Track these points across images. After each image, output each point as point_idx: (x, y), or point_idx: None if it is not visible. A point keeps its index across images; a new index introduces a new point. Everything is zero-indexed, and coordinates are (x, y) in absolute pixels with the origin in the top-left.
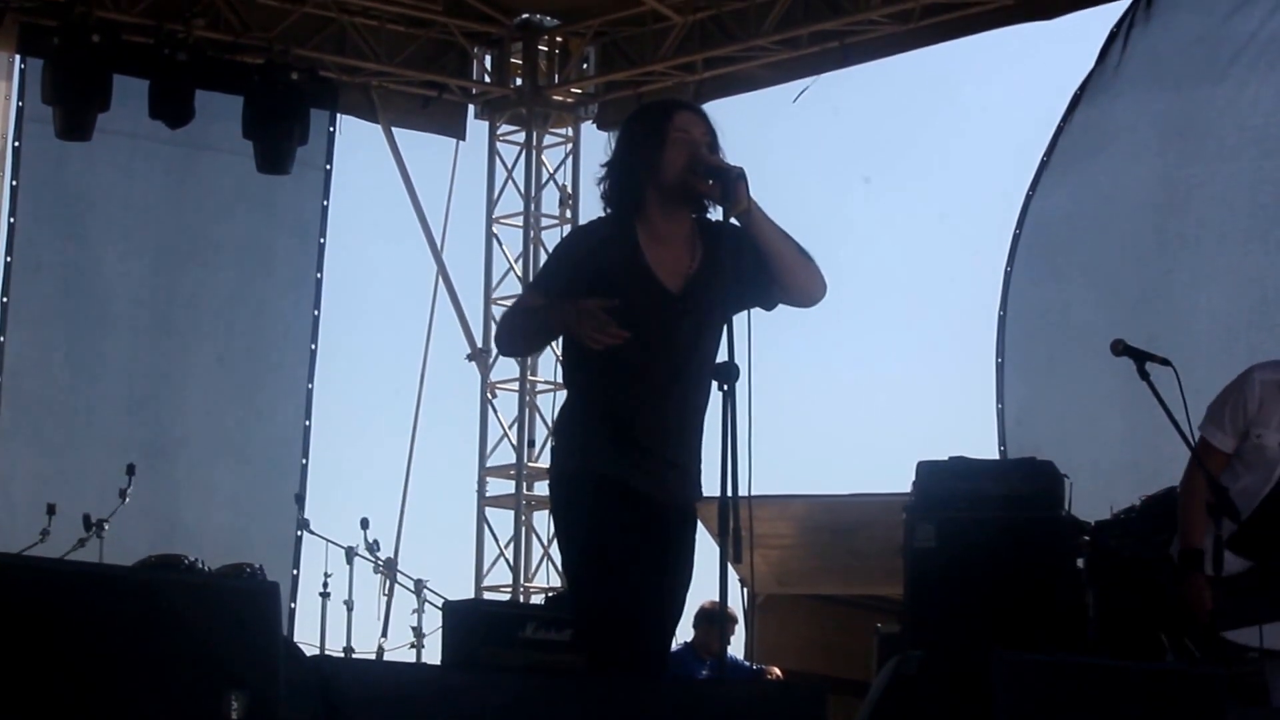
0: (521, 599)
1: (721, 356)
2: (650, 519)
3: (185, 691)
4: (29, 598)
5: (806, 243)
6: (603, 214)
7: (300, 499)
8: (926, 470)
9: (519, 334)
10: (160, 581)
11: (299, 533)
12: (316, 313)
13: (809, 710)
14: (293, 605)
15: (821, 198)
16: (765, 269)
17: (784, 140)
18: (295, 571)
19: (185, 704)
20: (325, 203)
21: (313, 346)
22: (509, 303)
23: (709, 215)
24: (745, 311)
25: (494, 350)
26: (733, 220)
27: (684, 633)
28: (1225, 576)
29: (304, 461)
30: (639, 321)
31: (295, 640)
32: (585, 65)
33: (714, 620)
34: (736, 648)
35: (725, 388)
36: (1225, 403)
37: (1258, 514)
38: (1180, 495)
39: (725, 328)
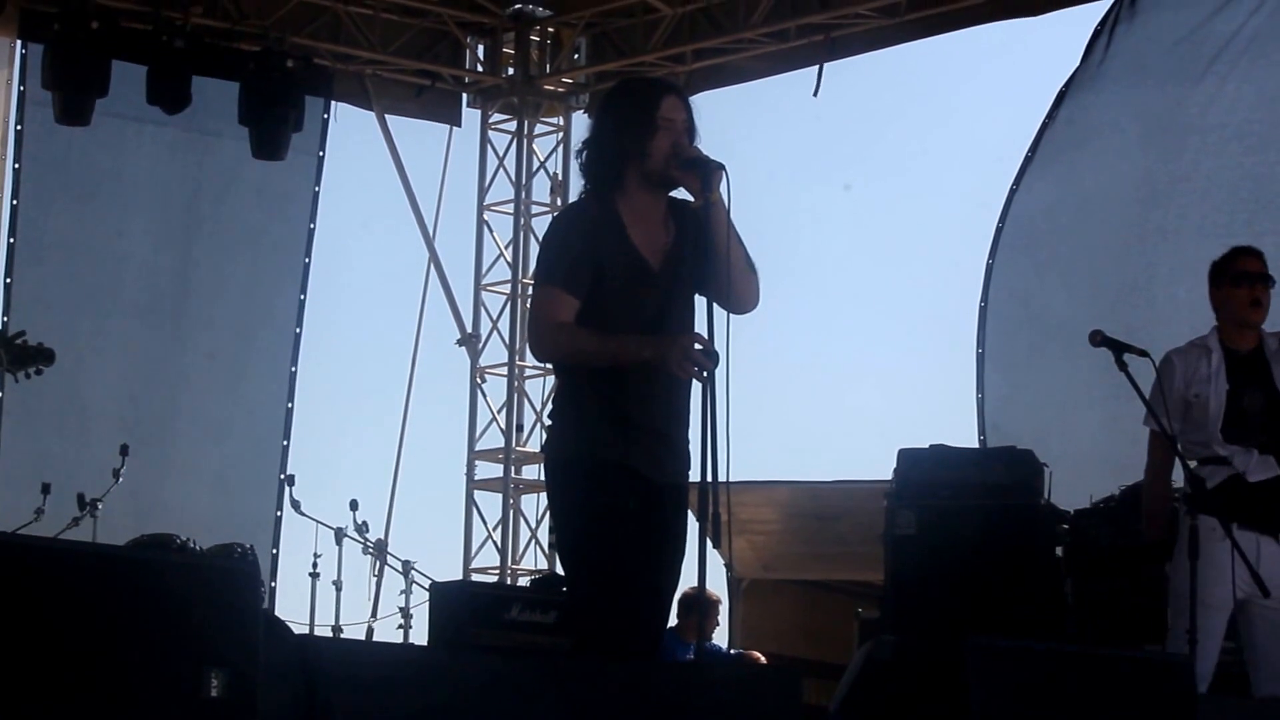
0: (509, 581)
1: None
2: (647, 501)
3: (166, 668)
4: (13, 575)
5: (792, 231)
6: (583, 191)
7: (289, 480)
8: (907, 458)
9: (581, 358)
10: (142, 560)
11: (278, 513)
12: (303, 297)
13: (785, 693)
14: (273, 584)
15: (806, 188)
16: (708, 263)
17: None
18: (275, 550)
19: (167, 680)
20: (317, 188)
21: (297, 330)
22: (500, 289)
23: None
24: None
25: (483, 335)
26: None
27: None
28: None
29: (285, 443)
30: (628, 300)
31: (283, 619)
32: (576, 55)
33: (695, 608)
34: (721, 631)
35: (705, 374)
36: (1156, 390)
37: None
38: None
39: (706, 315)
